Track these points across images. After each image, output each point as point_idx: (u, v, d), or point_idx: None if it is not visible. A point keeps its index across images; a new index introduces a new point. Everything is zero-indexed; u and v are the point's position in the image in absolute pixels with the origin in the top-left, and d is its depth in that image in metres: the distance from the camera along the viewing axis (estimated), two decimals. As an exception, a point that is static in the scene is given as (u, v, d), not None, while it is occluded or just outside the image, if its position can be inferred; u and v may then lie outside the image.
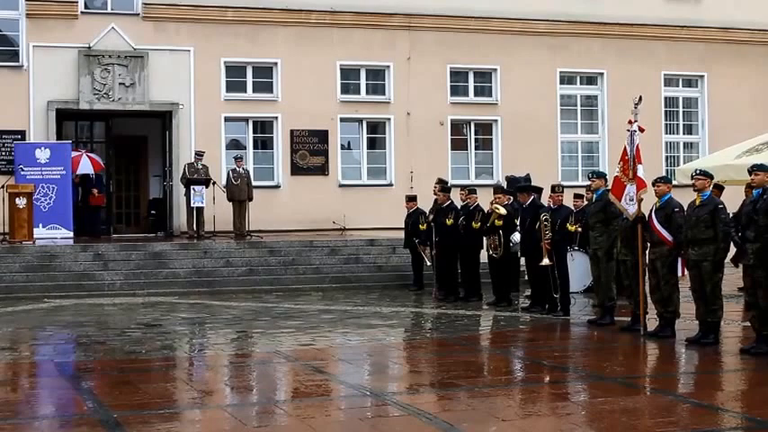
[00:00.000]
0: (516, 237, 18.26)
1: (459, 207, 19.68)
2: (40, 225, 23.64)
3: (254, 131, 27.66)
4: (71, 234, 24.39)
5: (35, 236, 22.59)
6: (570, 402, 9.91)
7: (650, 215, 14.00)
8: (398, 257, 22.87)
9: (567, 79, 29.71)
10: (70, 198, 24.84)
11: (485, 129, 29.20)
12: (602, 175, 15.99)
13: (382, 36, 27.87)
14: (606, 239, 15.35)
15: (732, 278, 16.61)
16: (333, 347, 13.72)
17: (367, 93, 28.15)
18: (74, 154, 25.75)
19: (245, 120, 27.38)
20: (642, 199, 14.18)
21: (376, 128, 28.47)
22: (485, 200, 19.47)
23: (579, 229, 17.63)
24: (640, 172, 14.18)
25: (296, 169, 27.28)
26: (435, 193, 20.39)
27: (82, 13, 25.88)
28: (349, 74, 28.01)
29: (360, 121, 28.12)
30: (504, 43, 28.60)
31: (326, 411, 9.52)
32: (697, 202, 13.31)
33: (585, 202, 18.14)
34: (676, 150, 30.56)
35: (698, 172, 13.46)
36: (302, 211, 26.75)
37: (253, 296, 20.28)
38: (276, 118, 27.29)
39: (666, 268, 13.88)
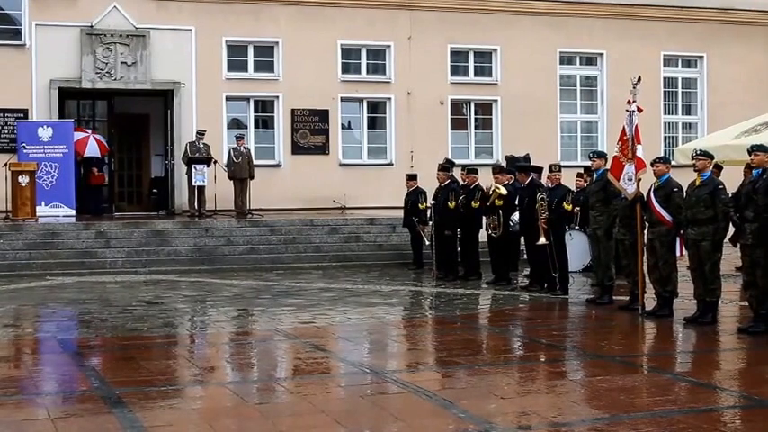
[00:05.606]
0: (516, 216, 18.31)
1: (459, 186, 19.75)
2: (43, 203, 23.69)
3: (256, 110, 27.72)
4: (73, 212, 24.45)
5: (38, 214, 22.66)
6: (569, 380, 10.00)
7: (649, 195, 14.08)
8: (398, 236, 22.92)
9: (566, 59, 29.73)
10: (72, 176, 24.87)
11: (485, 108, 29.25)
12: (602, 155, 16.00)
13: (383, 15, 27.87)
14: (606, 219, 15.38)
15: (730, 258, 16.67)
16: (333, 325, 13.77)
17: (368, 72, 28.17)
18: (80, 135, 25.84)
19: (247, 99, 27.43)
20: (641, 179, 14.23)
21: (376, 107, 28.51)
22: (485, 180, 19.52)
23: (577, 209, 17.81)
24: (640, 152, 14.21)
25: (297, 148, 27.34)
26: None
27: (84, -9, 25.92)
28: (350, 53, 28.02)
29: (360, 100, 28.16)
30: (505, 23, 28.61)
31: (327, 389, 9.60)
32: (697, 183, 13.35)
33: (585, 183, 18.26)
34: (675, 131, 30.62)
35: (698, 152, 13.50)
36: (303, 189, 26.81)
37: (253, 274, 20.33)
38: (277, 97, 27.33)
39: (665, 248, 13.94)
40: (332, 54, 27.56)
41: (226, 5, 26.69)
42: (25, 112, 25.33)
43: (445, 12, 28.19)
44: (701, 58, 30.67)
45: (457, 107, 29.01)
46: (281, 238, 22.71)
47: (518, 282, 18.61)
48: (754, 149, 12.68)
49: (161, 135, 28.22)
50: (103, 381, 9.73)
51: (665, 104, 30.31)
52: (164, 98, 27.18)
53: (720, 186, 13.23)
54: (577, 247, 19.20)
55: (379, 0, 27.75)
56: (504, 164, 23.50)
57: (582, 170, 19.88)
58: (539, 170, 18.72)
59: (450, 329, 13.65)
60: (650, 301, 14.35)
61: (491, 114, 29.14)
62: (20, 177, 22.30)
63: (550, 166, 17.15)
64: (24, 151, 23.99)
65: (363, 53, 28.11)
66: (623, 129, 14.45)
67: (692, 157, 13.60)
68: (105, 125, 28.32)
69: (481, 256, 19.47)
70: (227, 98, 27.00)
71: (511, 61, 28.76)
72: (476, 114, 29.24)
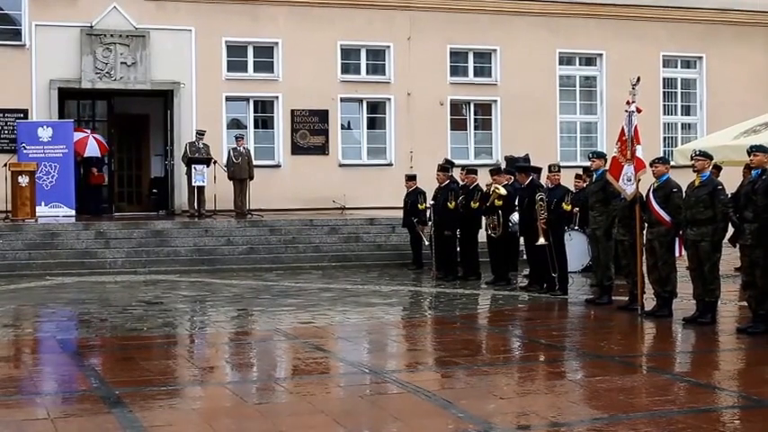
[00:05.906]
0: (515, 217, 18.32)
1: (458, 187, 19.75)
2: (43, 203, 23.70)
3: (255, 111, 27.71)
4: (73, 212, 24.46)
5: (37, 214, 22.66)
6: (568, 381, 10.02)
7: (648, 195, 14.10)
8: (398, 236, 22.93)
9: (566, 60, 29.75)
10: (72, 176, 24.88)
11: (484, 109, 29.26)
12: (601, 155, 16.02)
13: (382, 16, 27.86)
14: (606, 219, 15.39)
15: (729, 258, 16.68)
16: (332, 325, 13.79)
17: (367, 73, 28.16)
18: (79, 135, 25.81)
19: (246, 99, 27.43)
20: (640, 179, 14.24)
21: (376, 108, 28.50)
22: (485, 180, 19.53)
23: (576, 210, 17.82)
24: (639, 152, 14.22)
25: (296, 149, 27.34)
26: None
27: (84, -9, 25.91)
28: (349, 54, 28.03)
29: (360, 100, 28.17)
30: (504, 24, 28.62)
31: (326, 389, 9.62)
32: (696, 183, 13.38)
33: (585, 184, 18.27)
34: (674, 131, 30.63)
35: (697, 153, 13.52)
36: (302, 190, 26.83)
37: (253, 274, 20.35)
38: (277, 97, 27.33)
39: (664, 248, 13.96)
40: (331, 54, 27.56)
41: (225, 5, 26.69)
42: (25, 113, 25.32)
43: (444, 12, 28.18)
44: (700, 58, 30.68)
45: (456, 107, 29.02)
46: (281, 238, 22.72)
47: (517, 282, 18.62)
48: (753, 150, 12.69)
49: (161, 135, 28.22)
50: (103, 381, 9.74)
51: (664, 105, 30.31)
52: (163, 98, 27.17)
53: (719, 187, 13.25)
54: (577, 248, 19.22)
55: (378, 1, 27.75)
56: (503, 164, 23.52)
57: (581, 171, 19.89)
58: (538, 170, 18.74)
59: (450, 329, 13.66)
60: (649, 302, 14.36)
61: (490, 115, 29.15)
62: (20, 177, 22.31)
63: (550, 167, 17.19)
64: (24, 151, 24.00)
65: (363, 53, 28.12)
66: (622, 129, 14.47)
67: (692, 157, 13.62)
68: (105, 125, 28.29)
69: (481, 256, 19.48)
70: (227, 98, 27.00)
71: (510, 62, 28.77)
72: (475, 115, 29.26)
